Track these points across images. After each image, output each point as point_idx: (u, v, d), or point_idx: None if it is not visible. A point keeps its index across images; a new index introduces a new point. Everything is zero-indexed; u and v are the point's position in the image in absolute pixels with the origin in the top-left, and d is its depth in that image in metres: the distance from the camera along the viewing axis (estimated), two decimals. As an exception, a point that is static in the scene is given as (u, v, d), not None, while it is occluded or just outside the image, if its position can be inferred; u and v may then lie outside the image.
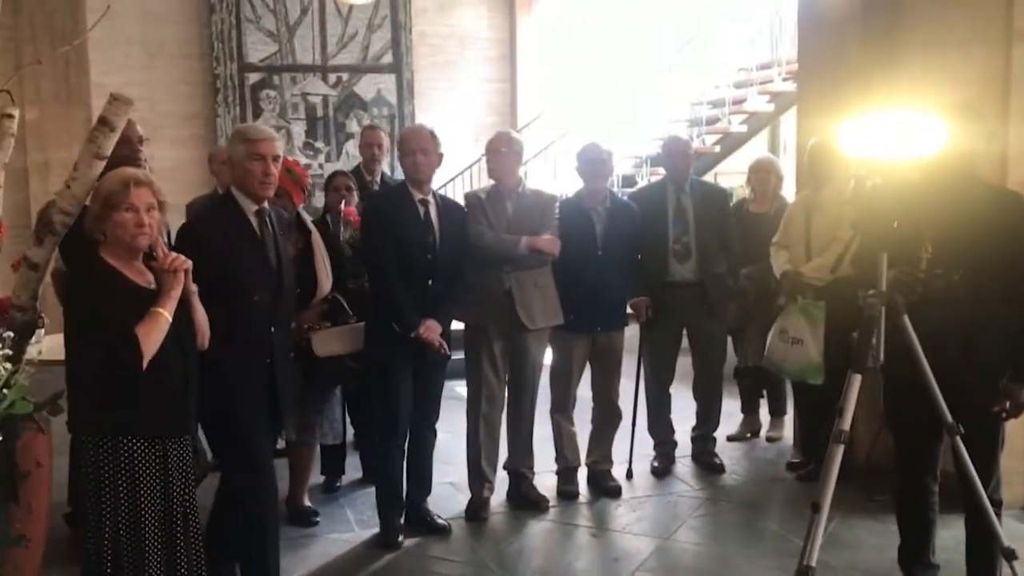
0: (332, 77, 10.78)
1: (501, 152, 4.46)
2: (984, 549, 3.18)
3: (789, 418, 5.67)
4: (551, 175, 10.03)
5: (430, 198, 4.23)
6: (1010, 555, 3.03)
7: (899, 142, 2.87)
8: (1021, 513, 4.42)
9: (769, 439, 5.76)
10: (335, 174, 5.11)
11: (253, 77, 10.50)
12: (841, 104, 4.74)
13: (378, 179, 5.57)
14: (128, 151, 3.61)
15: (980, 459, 3.01)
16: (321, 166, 10.46)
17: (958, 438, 2.98)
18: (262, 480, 3.42)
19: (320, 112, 10.78)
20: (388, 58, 10.91)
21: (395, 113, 10.90)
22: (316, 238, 4.27)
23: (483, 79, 11.43)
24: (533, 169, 10.53)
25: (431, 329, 4.10)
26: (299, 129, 10.64)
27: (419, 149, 4.15)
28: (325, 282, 4.22)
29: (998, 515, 3.12)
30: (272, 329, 3.39)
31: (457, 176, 10.16)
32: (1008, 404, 3.10)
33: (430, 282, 4.15)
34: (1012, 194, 3.33)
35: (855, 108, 4.33)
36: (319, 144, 10.70)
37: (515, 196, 4.49)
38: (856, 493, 4.43)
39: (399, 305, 4.08)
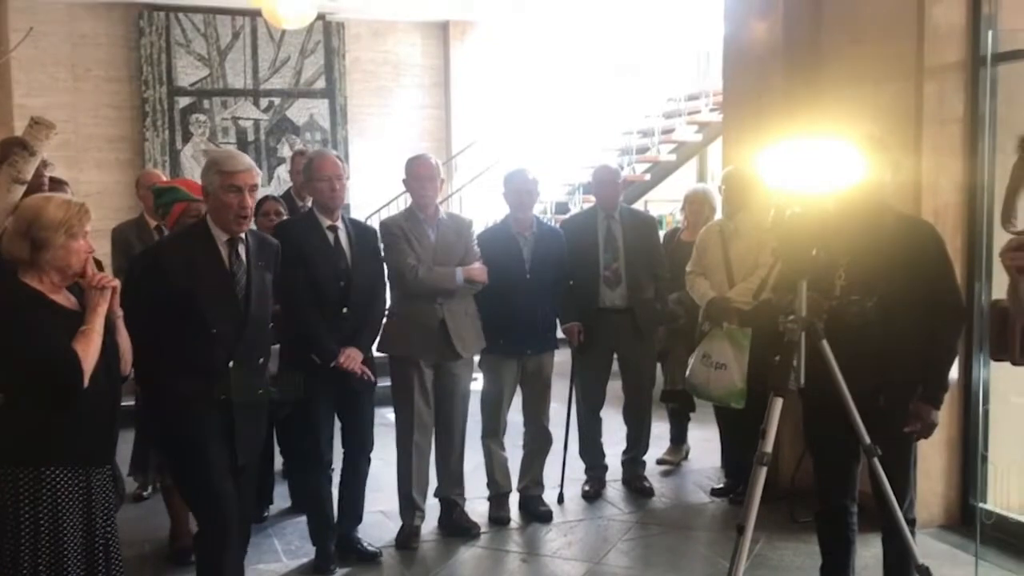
0: (264, 101, 10.72)
1: (420, 175, 4.46)
2: (900, 567, 3.28)
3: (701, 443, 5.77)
4: (485, 201, 10.08)
5: (339, 224, 4.22)
6: (924, 572, 3.13)
7: (815, 172, 2.98)
8: (938, 531, 4.56)
9: (661, 462, 5.80)
10: (264, 199, 5.07)
11: (183, 101, 10.39)
12: (764, 135, 4.87)
13: (310, 204, 5.54)
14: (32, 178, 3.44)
15: (894, 480, 3.11)
16: (252, 190, 10.35)
17: (875, 459, 3.08)
18: (218, 516, 3.29)
19: (251, 136, 10.70)
20: (321, 83, 10.89)
21: (328, 138, 10.87)
22: None
23: (417, 105, 11.48)
24: (467, 195, 10.60)
25: (351, 358, 4.07)
26: (230, 153, 10.54)
27: (335, 176, 4.15)
28: None
29: (913, 533, 3.22)
30: (231, 363, 3.27)
31: (392, 201, 10.15)
32: (919, 424, 3.21)
33: (345, 310, 4.13)
34: (921, 223, 3.48)
35: (777, 139, 4.46)
36: (250, 169, 10.60)
37: (436, 223, 4.50)
38: (781, 515, 4.51)
39: (315, 335, 4.05)
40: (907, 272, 3.12)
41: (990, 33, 4.42)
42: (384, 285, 4.41)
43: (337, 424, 4.31)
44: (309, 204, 5.54)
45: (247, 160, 3.35)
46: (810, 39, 5.05)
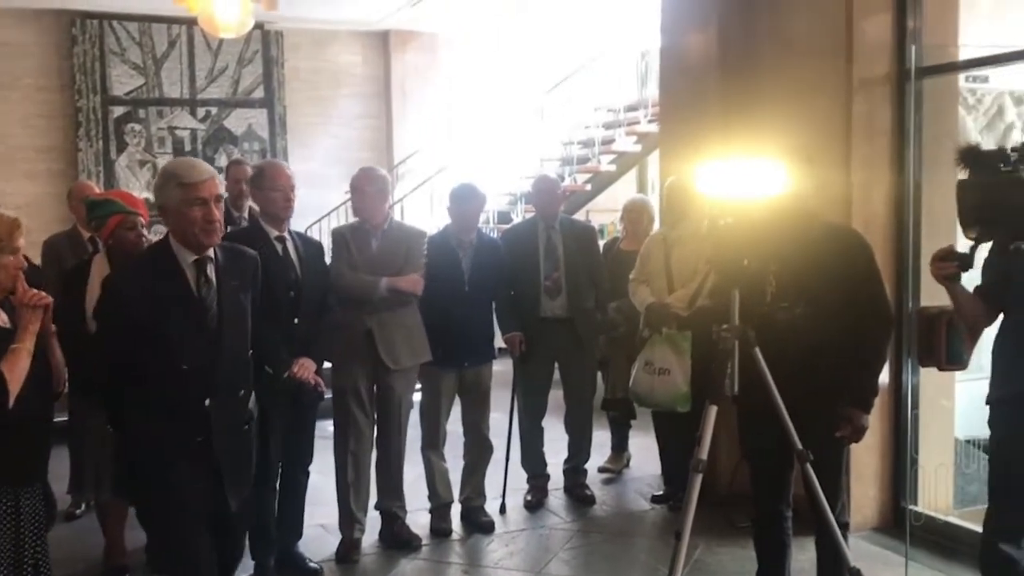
0: (201, 111, 10.59)
1: (365, 191, 4.46)
2: (833, 570, 3.34)
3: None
4: (428, 211, 10.08)
5: (287, 235, 4.20)
6: (855, 575, 3.20)
7: (746, 183, 3.04)
8: (871, 534, 4.66)
9: (603, 470, 5.85)
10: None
11: (118, 110, 10.21)
12: (700, 146, 4.96)
13: (246, 215, 5.49)
14: None
15: (826, 484, 3.18)
16: (189, 201, 10.21)
17: (808, 465, 3.14)
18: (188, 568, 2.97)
19: (188, 146, 10.55)
20: (260, 92, 10.80)
21: (267, 148, 10.78)
22: None
23: (358, 115, 11.43)
24: (410, 205, 10.57)
25: (305, 367, 4.04)
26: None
27: (289, 187, 4.13)
28: None
29: (845, 537, 3.29)
30: (207, 401, 2.91)
31: (332, 212, 10.09)
32: (849, 429, 3.28)
33: (295, 320, 4.10)
34: (850, 231, 3.57)
35: (713, 150, 4.54)
36: (187, 179, 10.45)
37: (381, 233, 4.49)
38: (720, 520, 4.56)
39: (265, 349, 4.01)
40: (835, 279, 3.19)
41: (913, 48, 4.55)
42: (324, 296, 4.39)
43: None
44: (245, 215, 5.51)
45: (208, 168, 2.96)
46: (744, 52, 5.15)
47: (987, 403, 3.20)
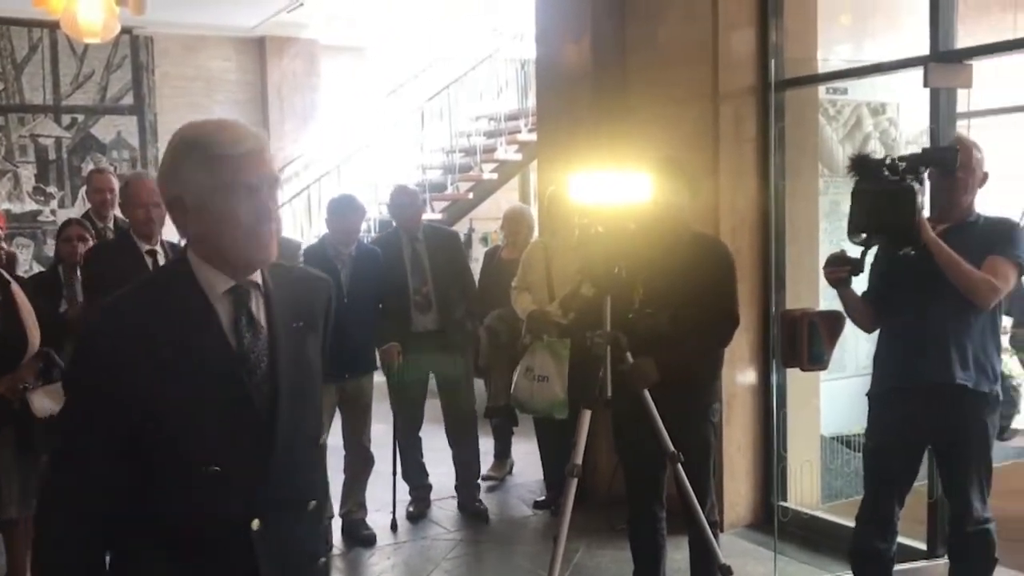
0: (66, 118, 10.13)
1: None
2: (704, 568, 3.44)
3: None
4: (306, 219, 9.93)
5: (159, 248, 4.07)
6: (726, 572, 3.29)
7: (615, 193, 3.10)
8: (744, 531, 4.81)
9: (486, 478, 5.86)
10: (67, 223, 4.84)
11: (-26, 117, 9.70)
12: (575, 155, 5.04)
13: (111, 225, 5.29)
14: None
15: (696, 484, 3.27)
16: (53, 212, 9.79)
17: (679, 466, 3.22)
18: None
19: (52, 155, 10.08)
20: (129, 99, 10.41)
21: (137, 156, 10.39)
22: (15, 289, 3.92)
23: (233, 123, 11.16)
24: (288, 213, 10.38)
25: None
26: (28, 173, 9.90)
27: (151, 203, 4.00)
28: (35, 337, 3.92)
29: (716, 535, 3.39)
30: (254, 523, 1.73)
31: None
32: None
33: None
34: (715, 240, 3.69)
35: (587, 159, 4.62)
36: (51, 189, 10.00)
37: None
38: (600, 523, 4.66)
39: None
40: (698, 286, 3.29)
41: (773, 61, 4.73)
42: None
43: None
44: (111, 225, 5.31)
45: (255, 133, 1.75)
46: (617, 62, 5.26)
47: (867, 396, 3.38)
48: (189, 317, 1.71)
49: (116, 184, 5.33)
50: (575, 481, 3.08)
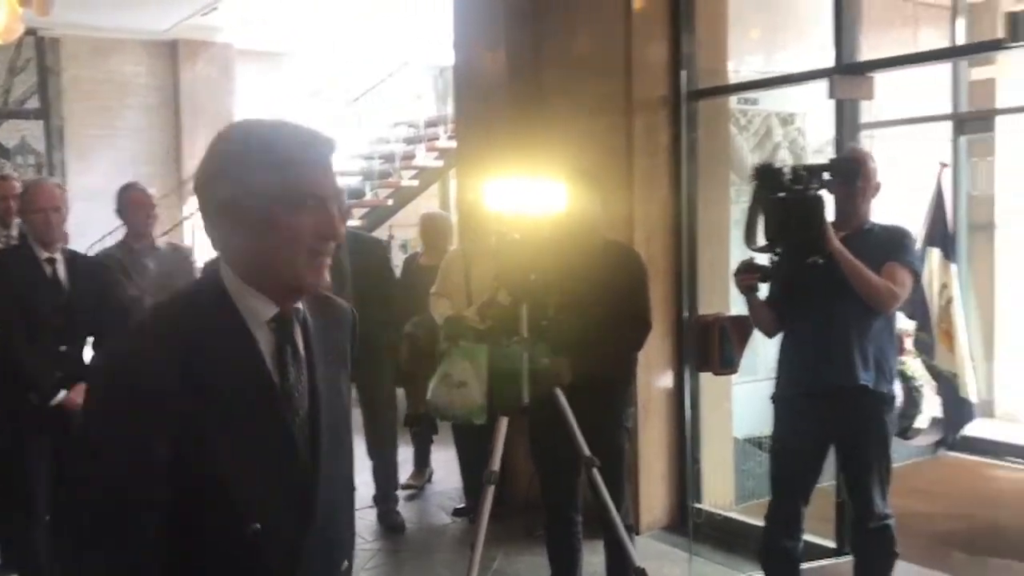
0: (-34, 122, 9.79)
1: (136, 206, 4.29)
2: (620, 571, 3.49)
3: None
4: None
5: (58, 256, 3.96)
6: (641, 574, 3.34)
7: (531, 201, 3.14)
8: (661, 533, 4.88)
9: (405, 486, 5.82)
10: (-34, 231, 4.64)
11: None
12: (493, 163, 5.05)
13: (15, 233, 5.11)
14: None
15: (611, 489, 3.31)
16: (-47, 220, 9.41)
17: (594, 470, 3.26)
18: None
19: (-48, 160, 9.74)
20: (34, 103, 10.10)
21: (43, 162, 10.10)
22: None
23: (144, 128, 10.90)
24: (199, 218, 10.17)
25: (76, 394, 3.81)
26: (-75, 178, 9.52)
27: (51, 207, 3.90)
28: None
29: (631, 538, 3.44)
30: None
31: (117, 229, 9.55)
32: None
33: (63, 347, 3.86)
34: (626, 248, 3.75)
35: (504, 167, 4.64)
36: (-50, 195, 9.63)
37: (153, 253, 4.32)
38: (518, 529, 4.67)
39: (31, 373, 3.77)
40: (612, 293, 3.34)
41: (684, 73, 4.83)
42: (124, 320, 4.15)
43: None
44: (14, 233, 5.13)
45: (327, 139, 1.52)
46: (532, 72, 5.30)
47: (771, 400, 3.47)
48: (230, 349, 1.44)
49: (20, 191, 5.16)
50: (492, 488, 3.10)
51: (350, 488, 1.68)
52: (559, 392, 3.17)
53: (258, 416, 1.45)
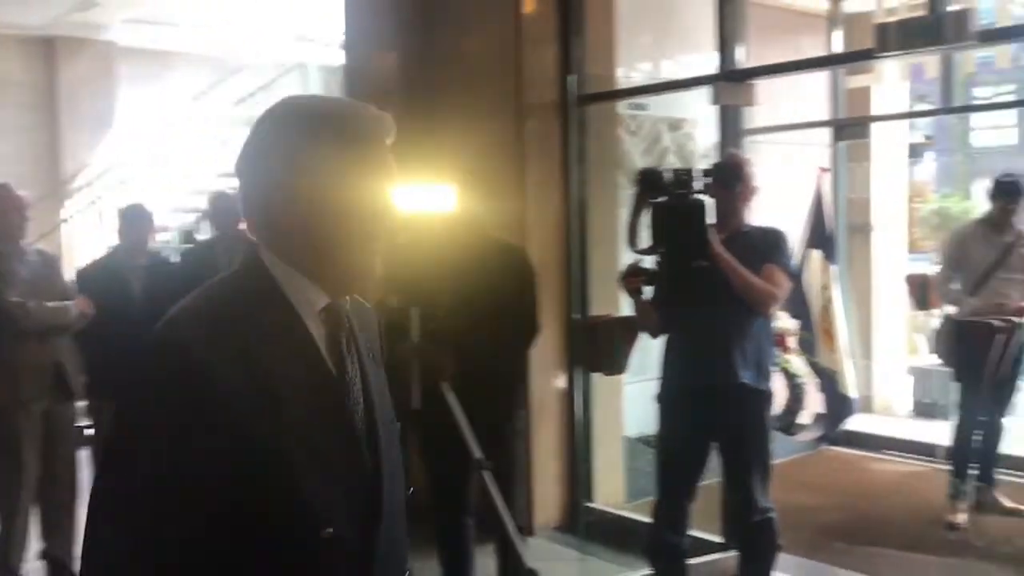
0: None
1: (6, 208, 4.10)
2: (511, 573, 3.49)
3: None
4: (96, 230, 9.42)
5: None
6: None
7: (420, 203, 3.12)
8: (554, 533, 4.91)
9: None
10: None
11: None
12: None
13: None
14: None
15: (502, 490, 3.30)
16: None
17: (487, 472, 3.25)
18: None
19: None
20: (-102, 98, 9.56)
21: (-94, 161, 9.53)
22: None
23: (18, 128, 10.40)
24: (79, 224, 9.83)
25: None
26: None
27: None
28: None
29: (523, 539, 3.43)
30: None
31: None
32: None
33: None
34: (516, 249, 3.74)
35: (397, 171, 4.59)
36: None
37: (22, 258, 4.14)
38: (412, 534, 4.63)
39: None
40: (502, 294, 3.35)
41: (571, 78, 4.88)
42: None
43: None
44: None
45: (387, 115, 1.44)
46: (425, 75, 5.26)
47: (656, 399, 3.53)
48: (287, 342, 1.32)
49: None
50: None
51: (405, 488, 1.51)
52: (448, 390, 3.15)
53: (322, 412, 1.33)
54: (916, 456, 6.31)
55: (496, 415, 3.40)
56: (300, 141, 1.31)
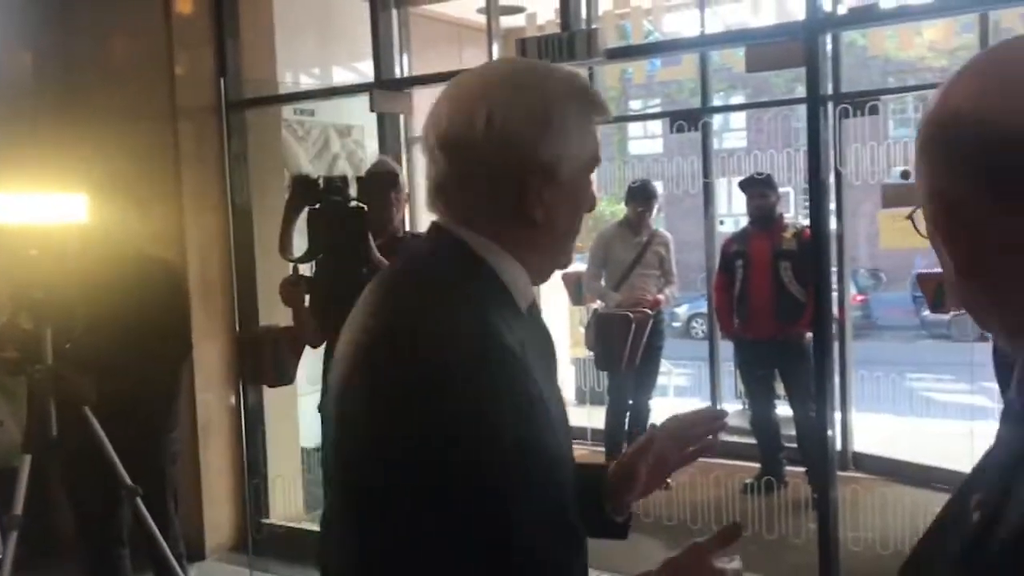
0: None
1: None
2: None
3: None
4: None
5: None
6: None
7: (48, 213, 2.88)
8: (228, 554, 4.74)
9: None
10: None
11: None
12: (13, 173, 4.56)
13: None
14: None
15: (156, 517, 3.15)
16: None
17: (137, 499, 3.07)
18: None
19: None
20: None
21: None
22: None
23: None
24: None
25: None
26: None
27: None
28: None
29: (183, 567, 3.29)
30: None
31: None
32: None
33: None
34: (162, 261, 3.55)
35: (26, 178, 4.20)
36: None
37: None
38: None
39: None
40: (146, 309, 3.17)
41: (223, 81, 4.74)
42: None
43: None
44: None
45: None
46: (63, 77, 4.86)
47: (318, 410, 3.49)
48: (527, 333, 1.19)
49: None
50: (13, 535, 2.78)
51: None
52: (90, 414, 2.93)
53: (556, 404, 1.22)
54: (578, 440, 6.79)
55: (146, 438, 3.22)
56: (559, 114, 1.16)
